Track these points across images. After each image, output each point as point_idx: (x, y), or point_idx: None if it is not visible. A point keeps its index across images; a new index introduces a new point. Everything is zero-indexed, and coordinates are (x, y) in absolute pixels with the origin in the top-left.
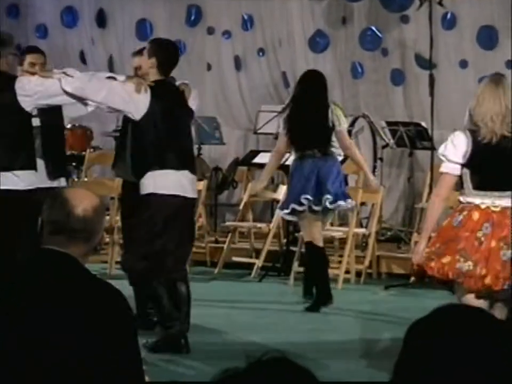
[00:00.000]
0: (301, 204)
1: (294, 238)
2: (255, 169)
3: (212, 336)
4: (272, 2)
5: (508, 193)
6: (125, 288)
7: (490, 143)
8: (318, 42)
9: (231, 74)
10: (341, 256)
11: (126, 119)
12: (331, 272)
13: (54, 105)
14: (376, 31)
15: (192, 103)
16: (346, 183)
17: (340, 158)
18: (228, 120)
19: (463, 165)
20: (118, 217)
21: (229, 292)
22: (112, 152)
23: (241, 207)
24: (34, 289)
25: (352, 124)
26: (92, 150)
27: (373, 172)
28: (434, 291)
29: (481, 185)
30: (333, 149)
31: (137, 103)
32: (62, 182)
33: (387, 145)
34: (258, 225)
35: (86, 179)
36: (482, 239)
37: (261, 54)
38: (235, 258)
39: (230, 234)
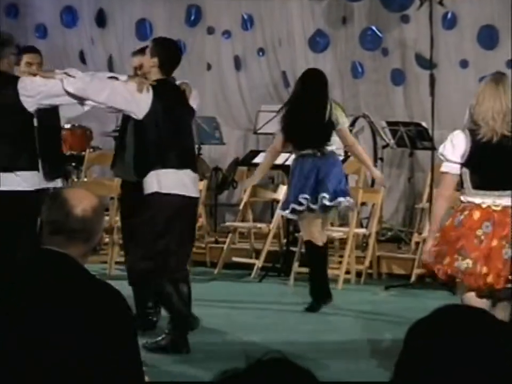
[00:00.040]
0: (300, 204)
1: (294, 239)
2: (255, 169)
3: (212, 336)
4: (272, 2)
5: (508, 192)
6: (124, 288)
7: (490, 142)
8: (318, 42)
9: (231, 74)
10: (341, 256)
11: (125, 119)
12: (331, 272)
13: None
14: (377, 31)
15: (193, 102)
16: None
17: (340, 158)
18: (227, 120)
19: (462, 164)
20: (118, 218)
21: (229, 292)
22: (111, 152)
23: (241, 207)
24: (34, 289)
25: (352, 124)
26: (91, 150)
27: None
28: (434, 291)
29: (481, 184)
30: (333, 149)
31: (139, 103)
32: (58, 183)
33: (387, 145)
34: (258, 225)
35: (85, 179)
36: (483, 237)
37: (261, 53)
38: (235, 259)
39: (230, 235)
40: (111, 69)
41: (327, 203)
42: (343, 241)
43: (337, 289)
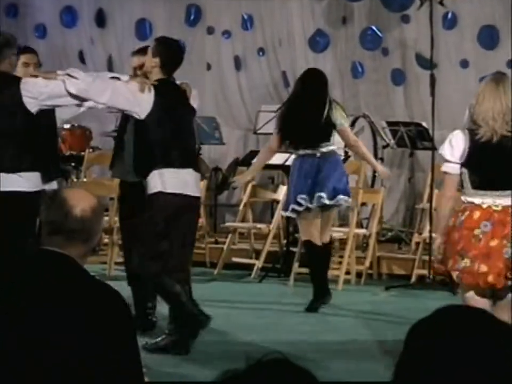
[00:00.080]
0: (299, 205)
1: (294, 239)
2: None
3: (212, 336)
4: (272, 2)
5: (508, 192)
6: (124, 289)
7: (490, 142)
8: (318, 41)
9: (231, 74)
10: (341, 257)
11: (123, 119)
12: (331, 273)
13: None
14: (377, 31)
15: (193, 102)
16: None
17: (341, 158)
18: (227, 120)
19: (461, 164)
20: (117, 218)
21: (228, 292)
22: (111, 152)
23: (241, 207)
24: (34, 290)
25: (352, 124)
26: (91, 150)
27: (374, 173)
28: (435, 292)
29: (481, 184)
30: (334, 149)
31: (141, 103)
32: (53, 185)
33: (387, 145)
34: (258, 225)
35: (85, 179)
36: (481, 236)
37: (261, 53)
38: (235, 259)
39: (229, 235)
40: (110, 69)
41: (327, 202)
42: (343, 242)
43: (337, 290)
